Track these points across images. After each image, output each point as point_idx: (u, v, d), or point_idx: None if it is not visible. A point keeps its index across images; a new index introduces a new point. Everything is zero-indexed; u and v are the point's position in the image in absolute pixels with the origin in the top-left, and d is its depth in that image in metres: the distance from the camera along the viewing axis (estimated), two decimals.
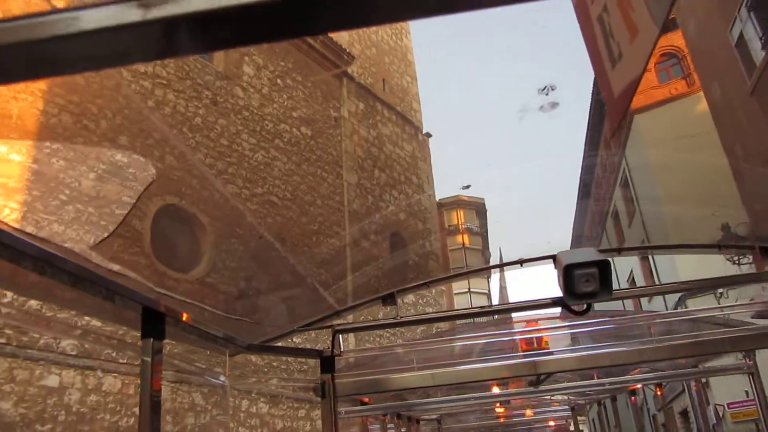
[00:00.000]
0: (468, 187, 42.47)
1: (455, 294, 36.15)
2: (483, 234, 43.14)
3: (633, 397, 8.81)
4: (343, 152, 18.75)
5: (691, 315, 3.56)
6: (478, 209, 43.44)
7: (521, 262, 3.16)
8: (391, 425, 6.05)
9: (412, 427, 8.18)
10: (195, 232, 12.02)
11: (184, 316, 2.13)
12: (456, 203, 41.41)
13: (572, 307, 2.47)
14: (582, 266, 2.37)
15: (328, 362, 2.75)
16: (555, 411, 11.32)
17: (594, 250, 2.37)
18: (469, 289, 38.02)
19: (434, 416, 9.48)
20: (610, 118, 23.93)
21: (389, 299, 2.95)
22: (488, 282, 42.35)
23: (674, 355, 2.83)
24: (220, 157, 13.13)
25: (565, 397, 8.47)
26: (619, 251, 3.54)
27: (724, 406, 13.32)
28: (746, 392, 11.51)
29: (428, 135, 26.24)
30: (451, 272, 38.16)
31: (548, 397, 8.43)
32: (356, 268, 16.40)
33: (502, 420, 11.93)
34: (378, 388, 3.78)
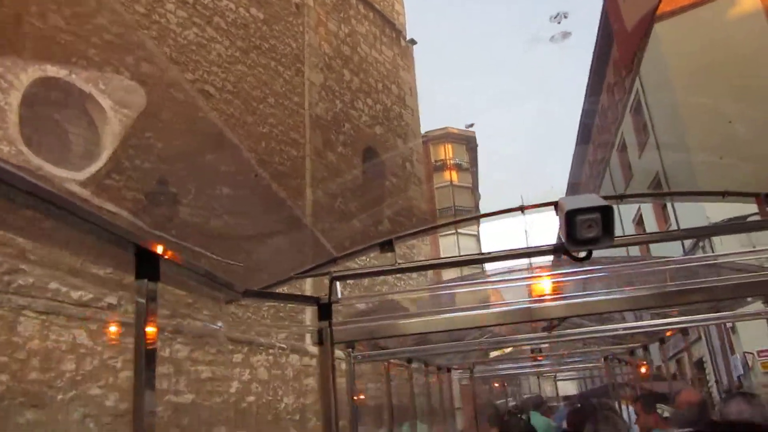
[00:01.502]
0: (472, 125, 39.59)
1: (440, 236, 34.21)
2: (473, 171, 39.76)
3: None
4: (305, 46, 16.55)
5: (704, 261, 3.50)
6: (469, 143, 39.74)
7: (522, 208, 3.11)
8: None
9: (443, 376, 8.35)
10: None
11: (179, 258, 2.08)
12: (444, 137, 38.09)
13: (573, 254, 2.42)
14: (584, 212, 2.31)
15: (325, 309, 2.75)
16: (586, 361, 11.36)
17: (597, 196, 2.35)
18: (456, 230, 35.07)
19: (460, 364, 9.56)
20: (621, 54, 23.16)
21: (387, 246, 2.92)
22: (477, 224, 37.66)
23: (688, 300, 2.80)
24: (133, 27, 10.81)
25: (591, 347, 8.56)
26: (622, 197, 3.46)
27: (753, 353, 12.57)
28: None
29: (412, 42, 23.72)
30: (437, 213, 35.53)
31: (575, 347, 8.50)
32: (317, 182, 14.85)
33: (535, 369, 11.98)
34: (375, 335, 3.79)
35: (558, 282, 3.22)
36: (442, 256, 27.23)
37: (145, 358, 1.95)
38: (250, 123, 13.33)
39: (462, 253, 30.35)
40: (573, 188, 37.48)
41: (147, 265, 2.07)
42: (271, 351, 11.64)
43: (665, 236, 3.45)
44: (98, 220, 1.80)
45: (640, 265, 3.42)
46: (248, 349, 11.13)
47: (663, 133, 19.59)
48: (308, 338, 12.21)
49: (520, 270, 4.04)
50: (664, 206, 20.82)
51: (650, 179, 20.97)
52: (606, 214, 2.44)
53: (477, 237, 35.98)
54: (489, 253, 2.90)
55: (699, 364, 16.17)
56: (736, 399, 3.11)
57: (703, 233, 4.34)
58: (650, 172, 20.88)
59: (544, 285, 3.23)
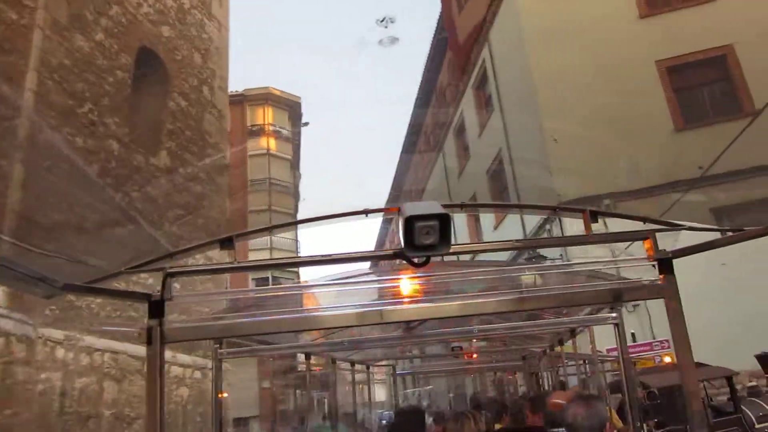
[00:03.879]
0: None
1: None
2: (295, 142, 36.12)
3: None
4: None
5: (564, 269, 3.79)
6: (292, 110, 35.89)
7: (366, 212, 3.17)
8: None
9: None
10: None
11: None
12: (264, 98, 33.82)
13: (412, 259, 2.50)
14: (423, 218, 2.41)
15: (157, 306, 2.63)
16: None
17: (437, 204, 2.48)
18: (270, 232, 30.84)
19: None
20: (456, 61, 23.42)
21: (227, 243, 2.87)
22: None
23: (547, 305, 3.00)
24: None
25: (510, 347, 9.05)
26: (462, 206, 3.64)
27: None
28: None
29: None
30: (248, 184, 31.14)
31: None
32: (50, 71, 11.28)
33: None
34: (208, 334, 3.66)
35: (419, 285, 3.33)
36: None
37: None
38: None
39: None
40: (395, 191, 35.99)
41: None
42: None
43: (499, 246, 3.66)
44: None
45: (498, 271, 3.65)
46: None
47: (512, 104, 19.68)
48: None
49: (366, 273, 4.13)
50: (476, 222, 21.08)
51: (491, 159, 21.30)
52: (444, 222, 2.57)
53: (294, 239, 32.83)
54: (330, 255, 2.94)
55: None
56: (576, 402, 3.35)
57: (533, 245, 4.64)
58: (491, 151, 21.16)
59: (402, 287, 3.32)
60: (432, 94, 29.52)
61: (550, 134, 15.73)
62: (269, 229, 3.33)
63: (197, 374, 14.24)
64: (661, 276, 3.02)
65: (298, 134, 35.48)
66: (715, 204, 13.50)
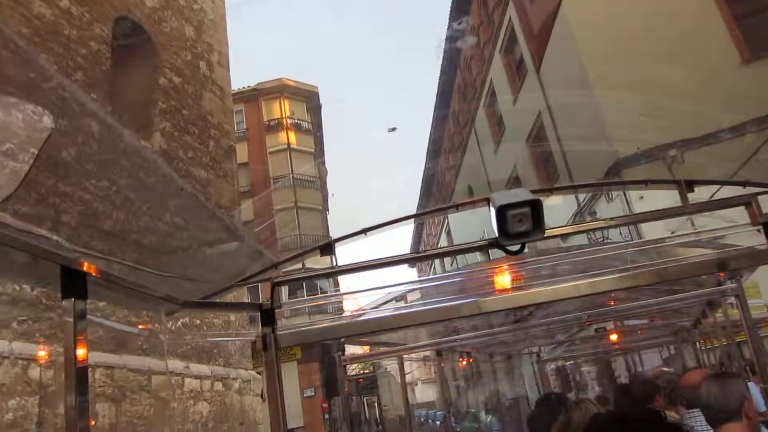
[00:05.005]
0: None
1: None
2: (316, 134, 34.60)
3: None
4: None
5: (657, 244, 3.74)
6: (310, 101, 34.36)
7: (457, 205, 3.25)
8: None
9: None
10: None
11: (106, 274, 2.06)
12: (278, 90, 32.40)
13: (507, 248, 2.54)
14: (514, 206, 2.45)
15: (268, 315, 2.84)
16: None
17: (526, 191, 2.52)
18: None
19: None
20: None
21: (327, 249, 2.98)
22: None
23: (648, 281, 2.99)
24: None
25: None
26: (551, 191, 3.63)
27: None
28: None
29: None
30: (271, 178, 29.86)
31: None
32: None
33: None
34: (321, 337, 3.84)
35: (517, 274, 3.37)
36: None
37: (76, 379, 1.91)
38: None
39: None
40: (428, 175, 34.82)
41: (73, 284, 2.05)
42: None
43: (588, 227, 3.62)
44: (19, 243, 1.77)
45: (597, 251, 3.64)
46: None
47: (548, 60, 18.36)
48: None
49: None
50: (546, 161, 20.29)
51: (531, 124, 20.26)
52: (536, 208, 2.60)
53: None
54: (425, 251, 2.99)
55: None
56: (709, 381, 3.25)
57: (630, 221, 4.54)
58: (529, 119, 19.98)
59: (504, 279, 3.36)
60: (456, 69, 28.51)
61: (598, 85, 14.70)
62: (365, 232, 3.44)
63: (218, 386, 12.62)
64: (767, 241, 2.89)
65: (320, 127, 34.07)
66: None
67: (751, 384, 7.22)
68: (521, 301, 3.36)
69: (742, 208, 3.11)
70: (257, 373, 13.62)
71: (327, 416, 26.96)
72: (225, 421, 12.39)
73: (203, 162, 14.48)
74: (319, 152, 34.09)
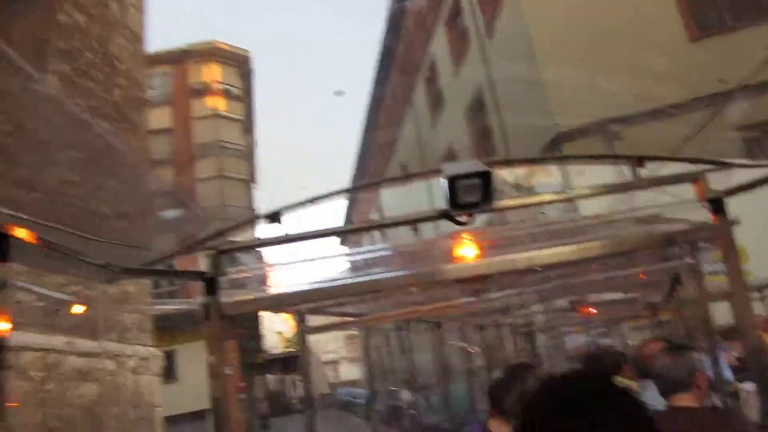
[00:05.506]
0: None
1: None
2: (247, 102, 33.47)
3: None
4: None
5: (627, 214, 3.75)
6: (242, 66, 33.18)
7: (408, 176, 3.17)
8: None
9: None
10: None
11: (40, 239, 1.95)
12: (209, 53, 31.10)
13: (457, 218, 2.51)
14: (465, 177, 2.42)
15: (211, 283, 2.72)
16: None
17: (478, 162, 2.50)
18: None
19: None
20: None
21: (274, 218, 2.89)
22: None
23: (598, 253, 3.34)
24: None
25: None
26: (506, 163, 3.60)
27: None
28: None
29: None
30: (193, 144, 28.33)
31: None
32: None
33: None
34: (273, 306, 3.75)
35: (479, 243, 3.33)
36: None
37: None
38: None
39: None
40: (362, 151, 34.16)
41: None
42: None
43: (542, 200, 3.61)
44: None
45: (593, 217, 3.68)
46: None
47: (492, 32, 18.12)
48: None
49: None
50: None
51: (469, 100, 19.98)
52: (486, 179, 2.57)
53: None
54: (373, 222, 2.93)
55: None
56: (663, 353, 3.39)
57: (576, 196, 4.58)
58: (469, 91, 19.71)
59: (464, 248, 3.33)
60: (399, 35, 27.44)
61: (543, 59, 14.53)
62: (314, 201, 3.36)
63: (109, 364, 11.23)
64: (713, 217, 2.95)
65: (250, 94, 32.93)
66: (743, 128, 12.47)
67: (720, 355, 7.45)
68: (477, 270, 3.37)
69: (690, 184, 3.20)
70: (158, 350, 12.45)
71: (244, 396, 26.59)
72: (116, 404, 11.22)
73: (106, 113, 12.63)
74: (249, 120, 33.00)
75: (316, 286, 3.60)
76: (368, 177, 32.30)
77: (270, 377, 42.49)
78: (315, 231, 3.30)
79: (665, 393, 3.23)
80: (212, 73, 30.28)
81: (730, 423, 3.33)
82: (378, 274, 3.76)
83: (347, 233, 3.84)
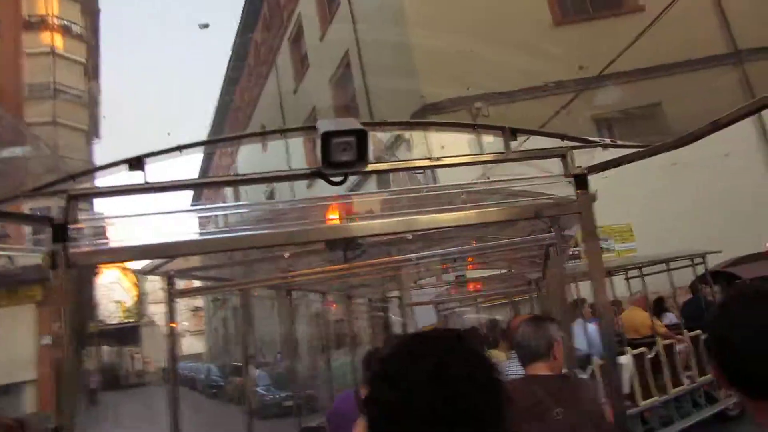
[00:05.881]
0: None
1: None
2: (92, 46, 30.11)
3: None
4: None
5: (494, 185, 3.81)
6: (87, 4, 30.06)
7: (283, 130, 3.10)
8: None
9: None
10: None
11: None
12: None
13: (330, 178, 2.46)
14: (339, 134, 2.36)
15: (60, 230, 2.86)
16: None
17: (354, 120, 2.43)
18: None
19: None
20: None
21: (136, 164, 2.69)
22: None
23: (464, 222, 3.39)
24: None
25: None
26: (381, 125, 3.58)
27: None
28: None
29: None
30: (25, 84, 24.35)
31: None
32: None
33: None
34: (131, 257, 3.56)
35: (350, 208, 3.29)
36: None
37: None
38: None
39: None
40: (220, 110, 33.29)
41: None
42: None
43: (416, 165, 3.64)
44: None
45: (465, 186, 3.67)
46: None
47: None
48: None
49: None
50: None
51: (335, 65, 19.58)
52: (361, 138, 2.52)
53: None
54: (246, 174, 2.83)
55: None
56: (525, 323, 3.59)
57: (449, 164, 4.68)
58: (336, 55, 19.19)
59: (338, 209, 3.26)
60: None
61: (413, 28, 14.48)
62: (179, 149, 3.17)
63: None
64: (577, 191, 3.09)
65: (97, 35, 29.97)
66: (598, 111, 13.59)
67: (591, 326, 7.94)
68: (349, 232, 3.34)
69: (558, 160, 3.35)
70: None
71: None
72: None
73: None
74: (94, 65, 30.09)
75: (183, 239, 3.42)
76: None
77: (105, 348, 40.62)
78: (182, 180, 3.11)
79: (524, 361, 3.36)
80: (49, 6, 27.01)
81: (578, 390, 3.59)
82: (246, 231, 3.65)
83: (219, 185, 3.69)
